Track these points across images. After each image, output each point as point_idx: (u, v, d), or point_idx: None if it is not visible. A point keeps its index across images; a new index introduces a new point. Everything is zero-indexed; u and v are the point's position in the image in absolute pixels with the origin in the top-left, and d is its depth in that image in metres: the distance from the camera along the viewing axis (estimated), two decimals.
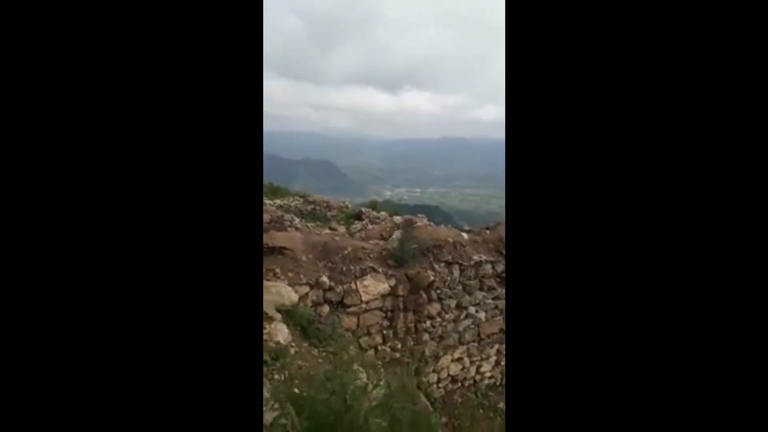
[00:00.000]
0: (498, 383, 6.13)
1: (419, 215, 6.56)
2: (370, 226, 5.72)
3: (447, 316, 5.53)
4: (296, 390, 2.73)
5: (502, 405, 5.68)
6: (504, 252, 5.74)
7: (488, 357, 6.01)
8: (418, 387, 5.00)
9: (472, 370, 5.93)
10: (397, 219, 6.21)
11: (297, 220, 6.07)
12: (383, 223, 5.88)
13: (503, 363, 6.16)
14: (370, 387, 2.52)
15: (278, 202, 7.21)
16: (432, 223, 6.16)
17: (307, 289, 4.51)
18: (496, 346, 6.05)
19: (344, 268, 4.91)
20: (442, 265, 5.41)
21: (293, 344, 3.57)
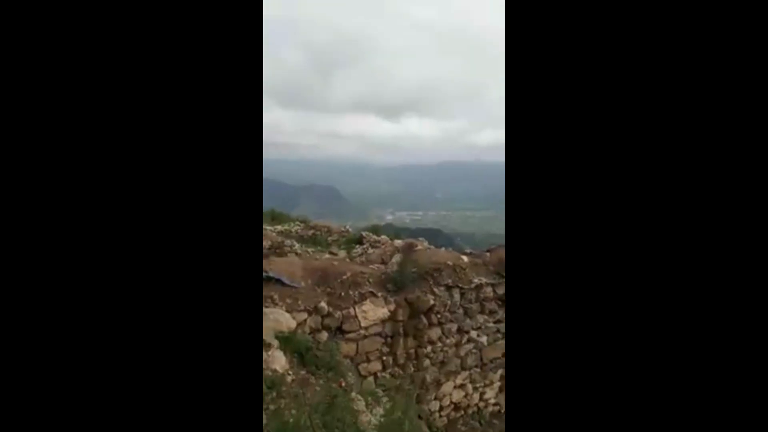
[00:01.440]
0: (502, 410, 5.90)
1: (420, 239, 6.55)
2: (370, 251, 5.70)
3: (448, 341, 5.41)
4: (291, 420, 2.64)
5: None
6: (504, 275, 5.67)
7: (492, 383, 5.83)
8: (420, 417, 4.82)
9: (476, 396, 5.73)
10: (398, 243, 6.18)
11: (297, 245, 6.06)
12: (383, 247, 5.87)
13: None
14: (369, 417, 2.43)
15: (279, 228, 7.23)
16: (432, 247, 6.15)
17: (305, 315, 4.45)
18: (500, 371, 5.88)
19: (343, 294, 4.84)
20: (442, 288, 5.34)
21: (290, 372, 3.49)
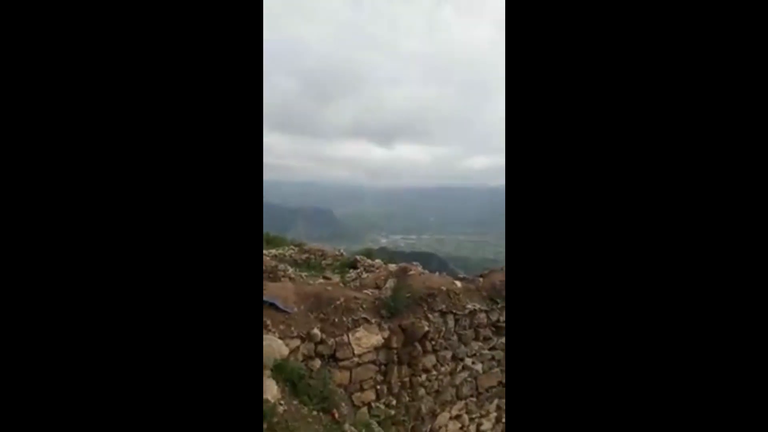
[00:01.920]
0: None
1: (414, 263, 6.34)
2: (364, 275, 5.66)
3: (443, 369, 5.30)
4: None
5: None
6: (498, 300, 5.65)
7: (488, 413, 5.68)
8: None
9: (472, 428, 5.58)
10: (392, 267, 6.01)
11: (291, 269, 6.00)
12: (378, 271, 5.83)
13: (504, 420, 5.80)
14: None
15: (273, 251, 7.17)
16: (426, 271, 6.06)
17: (298, 342, 4.36)
18: (496, 400, 5.75)
19: (336, 320, 4.70)
20: (437, 314, 5.29)
21: (282, 402, 3.38)
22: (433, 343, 5.20)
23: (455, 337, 5.42)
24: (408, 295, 5.02)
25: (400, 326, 4.91)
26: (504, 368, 5.64)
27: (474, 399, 5.58)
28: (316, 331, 4.52)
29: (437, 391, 5.25)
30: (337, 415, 3.60)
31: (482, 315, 5.58)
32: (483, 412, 5.65)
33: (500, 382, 5.76)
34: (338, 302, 4.89)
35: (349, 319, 4.80)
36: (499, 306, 5.45)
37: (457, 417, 5.47)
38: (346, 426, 3.53)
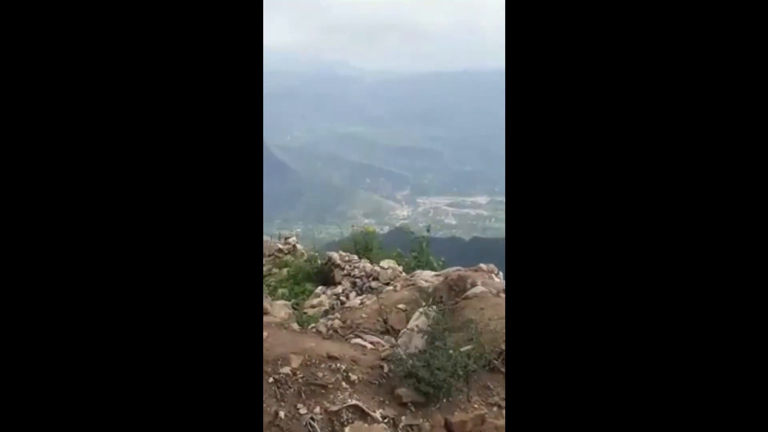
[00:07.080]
0: None
1: (483, 265, 4.70)
2: (354, 298, 3.79)
3: None
4: None
5: None
6: None
7: None
8: None
9: None
10: (427, 277, 4.23)
11: None
12: (389, 288, 3.95)
13: None
14: None
15: None
16: None
17: None
18: None
19: (285, 413, 3.15)
20: None
21: None
22: None
23: None
24: (472, 347, 3.47)
25: (446, 423, 3.33)
26: None
27: None
28: None
29: None
30: None
31: None
32: None
33: None
34: (286, 370, 3.31)
35: (320, 410, 3.24)
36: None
37: None
38: None
